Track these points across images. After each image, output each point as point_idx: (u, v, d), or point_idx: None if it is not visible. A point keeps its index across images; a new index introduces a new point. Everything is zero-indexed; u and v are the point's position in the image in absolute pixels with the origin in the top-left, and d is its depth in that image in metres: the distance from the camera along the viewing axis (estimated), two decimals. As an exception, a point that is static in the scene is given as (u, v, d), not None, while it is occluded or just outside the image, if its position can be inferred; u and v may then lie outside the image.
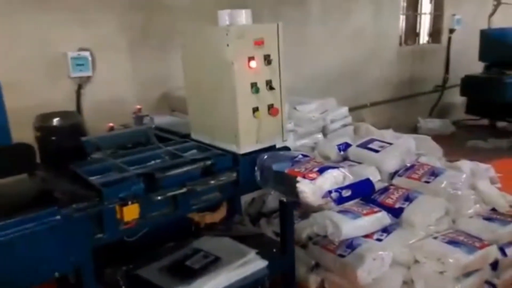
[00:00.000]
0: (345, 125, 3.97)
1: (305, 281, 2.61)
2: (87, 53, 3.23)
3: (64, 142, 2.09)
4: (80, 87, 3.28)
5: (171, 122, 2.78)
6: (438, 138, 4.29)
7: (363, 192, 2.00)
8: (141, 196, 1.71)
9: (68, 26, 3.19)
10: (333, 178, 1.83)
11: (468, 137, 5.73)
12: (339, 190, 1.81)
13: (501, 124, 6.07)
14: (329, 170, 1.85)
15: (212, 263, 2.17)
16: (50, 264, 1.54)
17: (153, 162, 2.05)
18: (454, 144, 5.30)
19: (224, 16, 2.02)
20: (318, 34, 4.93)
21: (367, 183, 1.93)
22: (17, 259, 1.46)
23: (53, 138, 2.10)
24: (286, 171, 1.90)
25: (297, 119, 3.60)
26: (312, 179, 1.81)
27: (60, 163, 1.98)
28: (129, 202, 1.65)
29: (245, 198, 3.13)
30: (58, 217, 1.52)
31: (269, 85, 2.05)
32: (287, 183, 1.89)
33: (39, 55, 3.10)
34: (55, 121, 2.12)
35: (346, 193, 1.82)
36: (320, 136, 3.78)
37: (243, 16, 2.00)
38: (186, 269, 2.14)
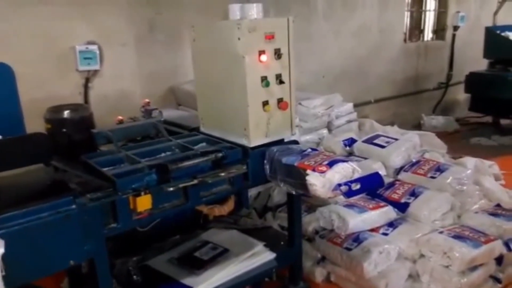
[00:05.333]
0: (349, 121, 3.99)
1: (311, 274, 2.64)
2: (95, 47, 3.24)
3: (74, 134, 2.12)
4: (87, 80, 3.29)
5: (179, 116, 2.80)
6: (441, 135, 4.30)
7: (372, 186, 2.03)
8: (154, 187, 1.73)
9: (75, 20, 3.20)
10: (343, 172, 1.86)
11: (472, 134, 5.75)
12: (348, 183, 1.83)
13: (504, 121, 6.07)
14: (339, 164, 1.87)
15: (220, 255, 2.20)
16: (65, 253, 1.56)
17: (163, 154, 2.08)
18: (458, 141, 5.32)
19: (235, 10, 2.04)
20: (323, 30, 4.93)
21: (376, 177, 1.96)
22: (34, 247, 1.48)
23: (64, 130, 2.12)
24: (296, 164, 1.92)
25: (302, 115, 3.61)
26: (322, 172, 1.83)
27: (71, 154, 2.01)
28: (142, 193, 1.67)
29: (251, 192, 3.15)
30: (73, 206, 1.54)
31: (279, 79, 2.07)
32: (296, 176, 1.91)
33: (47, 49, 3.11)
34: (66, 113, 2.14)
35: (355, 186, 1.84)
36: (325, 131, 3.79)
37: (254, 10, 2.02)
38: (195, 260, 2.16)
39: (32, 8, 3.00)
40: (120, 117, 2.53)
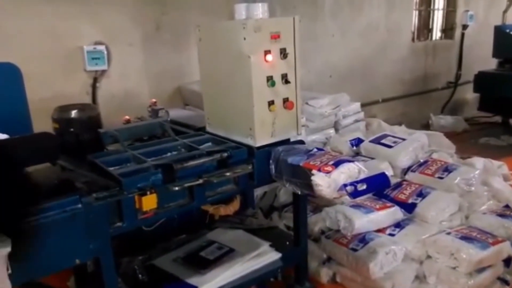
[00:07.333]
0: (357, 121, 3.98)
1: (317, 275, 2.63)
2: (102, 47, 3.26)
3: (82, 134, 2.14)
4: (95, 80, 3.31)
5: (185, 115, 2.80)
6: (450, 135, 4.27)
7: (378, 186, 2.02)
8: (159, 186, 1.73)
9: (82, 19, 3.22)
10: (348, 172, 1.84)
11: (481, 134, 5.69)
12: (354, 183, 1.82)
13: (514, 121, 6.01)
14: (345, 164, 1.86)
15: (226, 254, 2.20)
16: (71, 251, 1.57)
17: (169, 154, 2.09)
18: (467, 141, 5.27)
19: (241, 10, 2.04)
20: (330, 30, 4.91)
21: (382, 177, 1.95)
22: (40, 245, 1.49)
23: (71, 129, 2.14)
24: (301, 164, 1.91)
25: (309, 114, 3.60)
26: (328, 172, 1.82)
27: (78, 153, 2.03)
28: (148, 192, 1.68)
29: (257, 192, 3.15)
30: (79, 205, 1.55)
31: (285, 79, 2.06)
32: (302, 176, 1.90)
33: (54, 48, 3.13)
34: (74, 113, 2.16)
35: (361, 186, 1.83)
36: (332, 131, 3.78)
37: (260, 10, 2.02)
38: (200, 260, 2.17)
39: (39, 7, 3.02)
40: (127, 117, 2.54)
